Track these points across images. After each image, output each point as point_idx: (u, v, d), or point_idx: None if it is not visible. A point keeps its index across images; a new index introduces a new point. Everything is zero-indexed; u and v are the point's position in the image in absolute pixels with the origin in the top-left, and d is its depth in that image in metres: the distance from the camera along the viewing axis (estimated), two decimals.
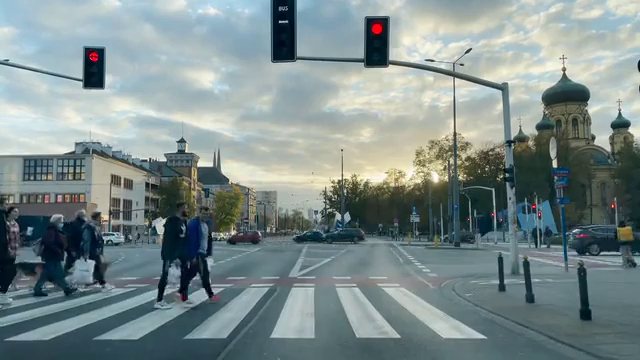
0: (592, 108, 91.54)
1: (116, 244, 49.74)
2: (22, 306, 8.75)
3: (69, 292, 10.07)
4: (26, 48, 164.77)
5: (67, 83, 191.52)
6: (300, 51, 12.32)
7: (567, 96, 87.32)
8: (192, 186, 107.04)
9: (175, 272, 8.92)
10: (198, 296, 9.36)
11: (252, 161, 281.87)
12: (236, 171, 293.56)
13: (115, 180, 73.86)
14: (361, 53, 12.39)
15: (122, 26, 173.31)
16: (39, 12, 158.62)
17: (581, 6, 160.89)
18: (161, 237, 11.66)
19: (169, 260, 8.76)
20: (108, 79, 13.92)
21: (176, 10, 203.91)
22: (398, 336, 6.06)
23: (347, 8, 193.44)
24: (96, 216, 11.79)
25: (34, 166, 72.43)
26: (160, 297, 8.50)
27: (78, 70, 13.95)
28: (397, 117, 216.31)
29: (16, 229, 8.99)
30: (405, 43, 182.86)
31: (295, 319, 7.25)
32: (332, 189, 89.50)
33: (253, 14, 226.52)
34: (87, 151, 74.92)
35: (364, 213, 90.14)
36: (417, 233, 62.51)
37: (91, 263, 10.59)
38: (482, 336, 6.03)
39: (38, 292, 10.04)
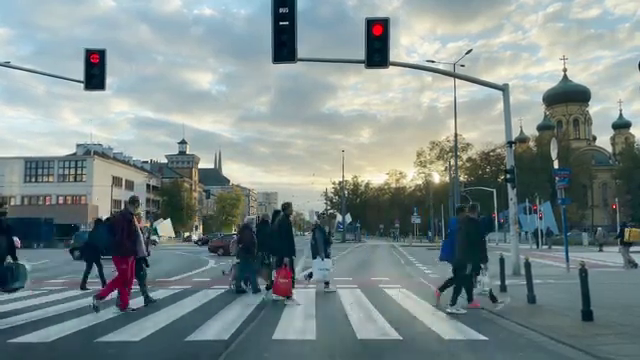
0: (592, 108, 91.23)
1: None
2: (23, 308, 8.76)
3: (240, 291, 10.44)
4: (22, 49, 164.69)
5: (64, 84, 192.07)
6: (298, 52, 12.33)
7: (568, 97, 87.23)
8: (193, 187, 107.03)
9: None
10: (199, 297, 9.35)
11: (251, 162, 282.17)
12: (236, 172, 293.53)
13: (116, 181, 73.87)
14: (360, 53, 12.41)
15: (118, 27, 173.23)
16: (35, 13, 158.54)
17: (579, 5, 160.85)
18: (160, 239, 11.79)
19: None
20: (106, 80, 13.94)
21: (172, 10, 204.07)
22: (399, 337, 6.05)
23: (344, 8, 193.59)
24: (322, 217, 11.85)
25: (35, 168, 72.48)
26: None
27: (75, 71, 14.07)
28: (396, 118, 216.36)
29: None
30: (403, 43, 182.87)
31: (296, 320, 7.25)
32: (333, 190, 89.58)
33: (249, 14, 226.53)
34: (88, 152, 75.00)
35: (365, 214, 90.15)
36: (417, 234, 62.48)
37: (328, 261, 10.80)
38: (483, 337, 6.03)
39: (239, 289, 10.49)
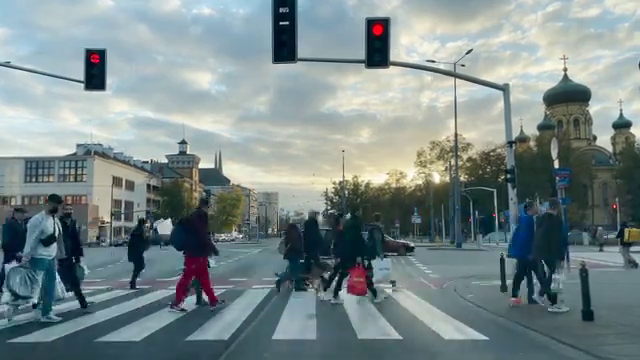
0: (592, 108, 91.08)
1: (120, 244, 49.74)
2: (24, 308, 8.75)
3: (301, 289, 10.65)
4: (21, 49, 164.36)
5: (64, 84, 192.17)
6: (298, 52, 12.31)
7: (568, 96, 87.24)
8: (193, 187, 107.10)
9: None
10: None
11: (251, 162, 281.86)
12: (236, 172, 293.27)
13: (116, 182, 73.95)
14: (359, 53, 12.38)
15: (117, 26, 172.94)
16: (34, 13, 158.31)
17: (579, 5, 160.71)
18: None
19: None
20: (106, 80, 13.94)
21: (170, 10, 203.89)
22: (400, 337, 6.05)
23: (343, 8, 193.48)
24: (378, 218, 11.81)
25: (35, 168, 72.61)
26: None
27: (74, 71, 14.07)
28: (395, 117, 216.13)
29: None
30: (403, 43, 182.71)
31: (297, 320, 7.25)
32: (333, 190, 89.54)
33: (248, 14, 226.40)
34: (88, 153, 75.09)
35: (365, 214, 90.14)
36: (417, 234, 62.44)
37: (388, 261, 10.85)
38: (484, 337, 6.02)
39: (300, 288, 10.69)
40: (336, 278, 9.44)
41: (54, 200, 7.70)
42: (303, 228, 11.41)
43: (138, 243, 12.35)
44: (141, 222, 13.19)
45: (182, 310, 7.99)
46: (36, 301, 7.14)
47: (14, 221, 10.14)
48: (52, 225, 7.31)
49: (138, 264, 11.93)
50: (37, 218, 7.28)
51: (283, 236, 11.22)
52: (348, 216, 12.26)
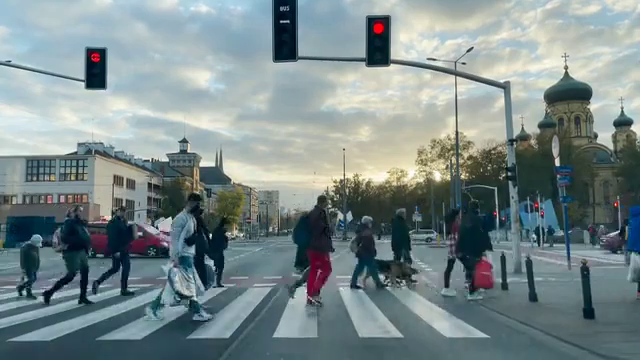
0: (592, 106, 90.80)
1: None
2: (24, 306, 8.78)
3: (381, 286, 10.82)
4: (18, 47, 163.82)
5: (63, 83, 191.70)
6: (298, 50, 12.30)
7: (569, 94, 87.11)
8: (194, 186, 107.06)
9: None
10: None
11: (251, 161, 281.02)
12: (236, 171, 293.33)
13: (117, 180, 73.95)
14: (357, 50, 12.46)
15: (114, 24, 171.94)
16: (30, 11, 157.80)
17: (578, 2, 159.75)
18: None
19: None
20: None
21: (167, 8, 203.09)
22: (401, 335, 6.05)
23: (342, 5, 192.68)
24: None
25: (37, 167, 72.60)
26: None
27: (72, 69, 14.17)
28: (395, 116, 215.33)
29: None
30: (402, 40, 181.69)
31: (298, 319, 7.25)
32: (334, 189, 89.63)
33: (245, 11, 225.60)
34: (89, 152, 75.09)
35: (366, 212, 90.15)
36: (418, 232, 62.40)
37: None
38: (485, 335, 6.01)
39: (380, 285, 10.85)
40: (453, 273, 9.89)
41: (196, 198, 7.75)
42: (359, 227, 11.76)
43: (220, 241, 11.91)
44: (223, 221, 13.26)
45: (318, 303, 8.29)
46: (196, 299, 7.15)
47: (118, 220, 10.55)
48: (194, 224, 7.35)
49: (220, 263, 11.65)
50: (182, 218, 7.24)
51: (355, 235, 11.32)
52: (349, 215, 12.37)
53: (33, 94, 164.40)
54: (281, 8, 11.95)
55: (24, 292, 10.17)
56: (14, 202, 70.06)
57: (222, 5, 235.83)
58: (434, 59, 32.15)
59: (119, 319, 7.31)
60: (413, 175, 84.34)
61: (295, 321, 7.05)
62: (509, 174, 14.30)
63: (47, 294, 9.16)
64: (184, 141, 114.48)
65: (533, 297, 8.39)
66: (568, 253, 14.97)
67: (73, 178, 71.64)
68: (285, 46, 12.09)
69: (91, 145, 77.51)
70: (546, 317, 6.99)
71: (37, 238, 10.87)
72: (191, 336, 6.08)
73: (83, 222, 9.61)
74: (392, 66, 12.70)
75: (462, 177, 56.21)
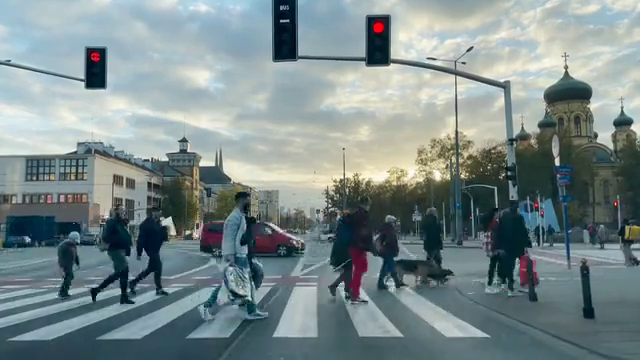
0: (592, 105, 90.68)
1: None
2: (24, 306, 8.78)
3: (399, 286, 10.76)
4: (17, 47, 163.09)
5: (61, 82, 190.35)
6: (297, 49, 12.28)
7: (569, 94, 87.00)
8: (194, 186, 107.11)
9: None
10: (200, 295, 9.35)
11: (251, 160, 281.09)
12: (235, 170, 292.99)
13: (117, 180, 73.99)
14: (357, 49, 12.44)
15: (113, 24, 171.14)
16: (30, 10, 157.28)
17: (578, 1, 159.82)
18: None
19: None
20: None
21: (167, 7, 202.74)
22: (401, 335, 6.05)
23: (341, 5, 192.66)
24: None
25: (36, 166, 72.63)
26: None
27: (71, 69, 14.14)
28: (394, 115, 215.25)
29: None
30: (401, 39, 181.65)
31: (298, 318, 7.25)
32: (334, 188, 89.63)
33: (244, 11, 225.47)
34: (89, 151, 75.08)
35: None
36: (418, 231, 62.38)
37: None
38: (485, 335, 6.02)
39: (381, 286, 10.81)
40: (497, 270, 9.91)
41: (245, 196, 7.81)
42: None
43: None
44: (252, 220, 13.02)
45: (363, 301, 8.43)
46: (250, 299, 7.15)
47: (151, 220, 10.56)
48: (245, 223, 7.36)
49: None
50: (237, 217, 7.23)
51: (378, 234, 11.31)
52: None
53: (32, 93, 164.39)
54: (281, 7, 11.93)
55: (67, 292, 10.05)
56: (14, 201, 70.11)
57: (221, 4, 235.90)
58: (434, 58, 32.20)
59: (119, 318, 7.31)
60: (413, 175, 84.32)
61: (295, 321, 7.06)
62: (509, 174, 14.25)
63: (94, 291, 9.15)
64: (184, 140, 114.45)
65: (533, 297, 8.38)
66: (568, 253, 14.97)
67: (73, 178, 71.67)
68: (285, 45, 12.07)
69: (91, 145, 77.50)
70: (546, 316, 6.98)
71: (75, 235, 10.87)
72: (191, 335, 6.08)
73: (124, 221, 9.59)
74: (391, 66, 12.68)
75: (462, 177, 56.21)
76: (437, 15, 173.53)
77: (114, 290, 10.85)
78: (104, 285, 9.27)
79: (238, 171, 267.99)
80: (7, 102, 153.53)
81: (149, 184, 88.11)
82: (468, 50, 36.63)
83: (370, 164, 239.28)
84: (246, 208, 7.52)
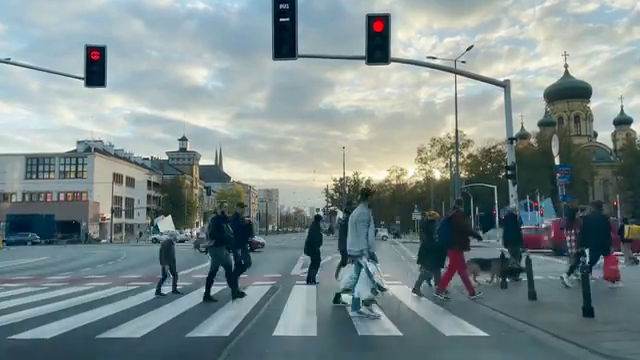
0: (591, 104, 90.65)
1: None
2: (23, 304, 8.78)
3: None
4: (15, 45, 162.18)
5: (59, 80, 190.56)
6: (297, 48, 12.27)
7: (569, 93, 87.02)
8: (194, 184, 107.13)
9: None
10: (200, 294, 9.35)
11: (250, 159, 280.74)
12: (234, 169, 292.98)
13: (117, 178, 73.96)
14: (356, 48, 12.51)
15: (110, 21, 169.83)
16: (29, 8, 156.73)
17: None
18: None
19: None
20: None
21: (164, 4, 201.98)
22: (400, 334, 6.05)
23: (340, 3, 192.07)
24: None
25: (36, 165, 72.53)
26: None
27: (68, 66, 14.20)
28: (393, 114, 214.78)
29: None
30: (400, 38, 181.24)
31: (297, 317, 7.25)
32: (334, 187, 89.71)
33: (242, 9, 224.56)
34: (89, 149, 75.04)
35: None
36: (418, 230, 62.41)
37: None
38: (484, 333, 6.02)
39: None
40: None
41: (372, 194, 8.03)
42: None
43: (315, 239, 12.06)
44: (318, 218, 13.41)
45: (446, 297, 8.58)
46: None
47: (238, 216, 10.42)
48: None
49: (316, 260, 11.76)
50: (365, 213, 7.40)
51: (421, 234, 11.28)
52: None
53: (30, 91, 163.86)
54: (281, 6, 11.92)
55: (177, 289, 10.02)
56: (13, 200, 70.05)
57: (219, 2, 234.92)
58: (434, 57, 32.17)
59: (119, 317, 7.30)
60: (413, 174, 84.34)
61: (295, 319, 7.05)
62: (509, 173, 14.26)
63: (206, 295, 9.01)
64: (183, 139, 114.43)
65: (532, 295, 8.38)
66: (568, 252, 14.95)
67: (72, 176, 71.59)
68: (285, 44, 12.06)
69: (91, 143, 77.45)
70: (546, 315, 6.98)
71: (174, 233, 10.84)
72: (190, 334, 6.08)
73: (229, 219, 9.54)
74: (390, 64, 12.67)
75: (462, 175, 56.22)
76: (436, 13, 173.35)
77: (114, 289, 10.88)
78: (208, 286, 9.10)
79: (238, 170, 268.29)
80: (5, 100, 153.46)
81: (149, 182, 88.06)
82: (468, 49, 36.60)
83: (370, 163, 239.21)
84: (370, 205, 7.71)
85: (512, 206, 12.43)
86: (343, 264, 8.51)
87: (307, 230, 12.42)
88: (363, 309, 7.17)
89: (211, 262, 9.24)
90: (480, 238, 9.50)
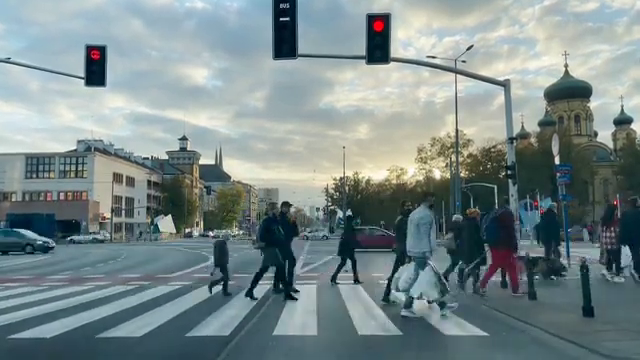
0: (592, 103, 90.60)
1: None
2: (24, 304, 8.78)
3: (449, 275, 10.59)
4: (14, 44, 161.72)
5: (59, 80, 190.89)
6: (297, 47, 12.26)
7: (569, 92, 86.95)
8: (194, 184, 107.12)
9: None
10: (200, 293, 9.36)
11: (250, 158, 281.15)
12: (234, 168, 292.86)
13: (117, 178, 73.95)
14: (356, 47, 12.54)
15: (109, 20, 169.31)
16: (26, 7, 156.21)
17: None
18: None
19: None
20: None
21: (163, 3, 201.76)
22: (400, 333, 6.05)
23: (340, 3, 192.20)
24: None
25: (36, 164, 72.53)
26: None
27: (66, 66, 13.99)
28: (393, 113, 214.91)
29: None
30: (400, 37, 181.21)
31: (297, 316, 7.26)
32: (334, 186, 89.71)
33: (241, 8, 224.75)
34: (89, 149, 75.02)
35: (366, 210, 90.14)
36: None
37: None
38: (484, 333, 6.02)
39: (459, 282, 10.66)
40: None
41: (433, 195, 8.17)
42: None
43: (350, 239, 12.33)
44: (350, 218, 13.50)
45: (524, 292, 8.53)
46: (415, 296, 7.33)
47: (284, 216, 10.39)
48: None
49: (352, 260, 11.81)
50: (427, 215, 7.43)
51: (451, 233, 11.25)
52: (348, 213, 12.44)
53: (30, 91, 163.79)
54: (281, 5, 11.91)
55: (214, 289, 9.91)
56: (13, 199, 70.06)
57: (218, 1, 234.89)
58: (433, 57, 32.19)
59: (119, 316, 7.31)
60: (413, 173, 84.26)
61: (295, 319, 7.06)
62: (509, 172, 14.25)
63: (249, 291, 9.16)
64: (184, 139, 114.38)
65: (532, 295, 8.38)
66: (567, 251, 14.96)
67: (72, 175, 71.60)
68: (285, 44, 12.05)
69: (91, 142, 77.43)
70: (545, 315, 6.99)
71: (228, 233, 10.90)
72: (190, 333, 6.08)
73: (279, 221, 9.56)
74: (390, 64, 12.66)
75: (462, 175, 56.21)
76: (436, 13, 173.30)
77: (114, 289, 10.88)
78: (254, 283, 9.25)
79: (237, 169, 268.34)
80: (4, 99, 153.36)
81: (149, 182, 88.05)
82: (468, 49, 36.61)
83: (370, 162, 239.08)
84: (432, 206, 7.79)
85: (552, 204, 12.48)
86: (401, 263, 8.47)
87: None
88: (406, 311, 7.21)
89: (262, 261, 9.33)
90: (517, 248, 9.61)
